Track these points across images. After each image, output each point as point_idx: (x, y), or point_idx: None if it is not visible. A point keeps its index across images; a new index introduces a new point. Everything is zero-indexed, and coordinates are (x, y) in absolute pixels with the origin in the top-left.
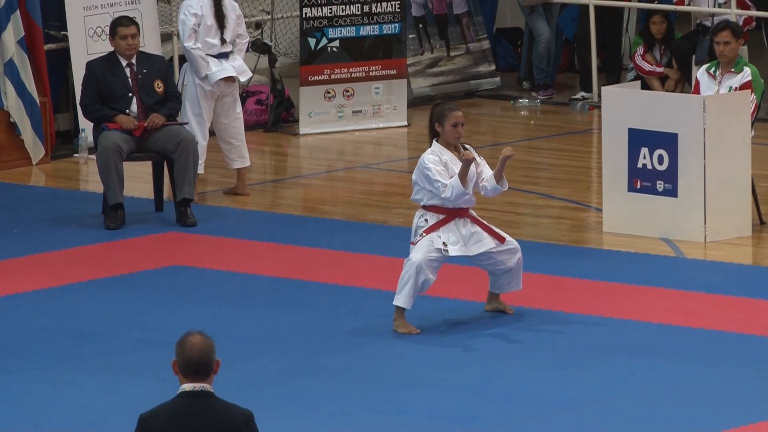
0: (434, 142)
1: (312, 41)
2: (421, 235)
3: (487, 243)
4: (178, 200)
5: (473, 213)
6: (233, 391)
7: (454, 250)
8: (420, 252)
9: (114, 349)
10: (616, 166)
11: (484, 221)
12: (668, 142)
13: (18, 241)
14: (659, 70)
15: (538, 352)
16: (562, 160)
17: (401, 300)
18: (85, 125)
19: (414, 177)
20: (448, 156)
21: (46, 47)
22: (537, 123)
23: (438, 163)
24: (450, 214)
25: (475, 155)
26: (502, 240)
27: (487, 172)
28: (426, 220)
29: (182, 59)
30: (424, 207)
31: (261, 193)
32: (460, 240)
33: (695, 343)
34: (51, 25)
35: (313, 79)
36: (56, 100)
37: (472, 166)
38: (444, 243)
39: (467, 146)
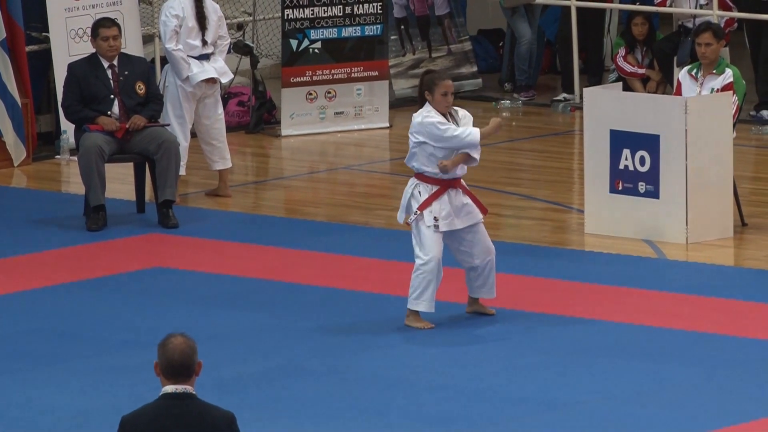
0: (426, 104)
1: (294, 43)
2: (415, 212)
3: (477, 215)
4: (159, 202)
5: (464, 183)
6: (215, 392)
7: (444, 225)
8: (434, 249)
9: (96, 350)
10: (597, 167)
11: (470, 192)
12: (650, 143)
13: None
14: (641, 71)
15: (521, 354)
16: (544, 161)
17: (424, 305)
18: (67, 127)
19: (413, 140)
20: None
21: (28, 49)
22: (519, 124)
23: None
24: (443, 185)
25: (462, 116)
26: (485, 211)
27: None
28: (419, 192)
29: (164, 61)
30: (418, 176)
31: (243, 194)
32: (451, 213)
33: (677, 345)
34: (32, 26)
35: (294, 80)
36: (38, 102)
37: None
38: (435, 218)
39: (459, 110)
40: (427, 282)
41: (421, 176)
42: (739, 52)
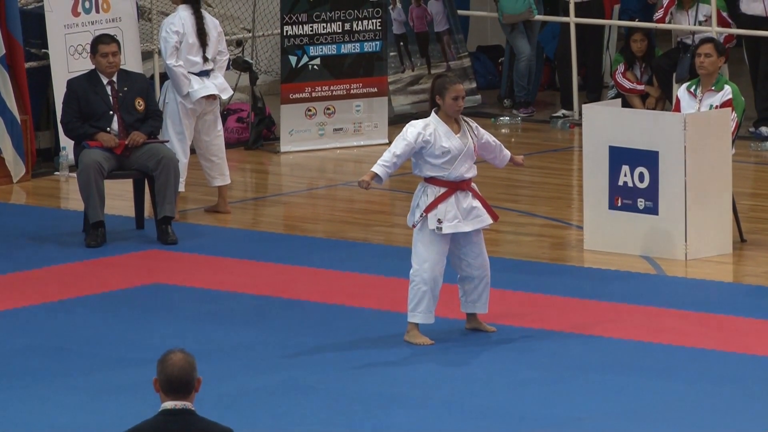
0: (433, 113)
1: (293, 59)
2: (421, 215)
3: (485, 220)
4: (159, 218)
5: (475, 187)
6: (215, 409)
7: (448, 228)
8: (429, 257)
9: (95, 367)
10: (597, 183)
11: (481, 196)
12: (649, 159)
13: None
14: (640, 87)
15: (520, 370)
16: (543, 177)
17: (420, 317)
18: (66, 143)
19: None
20: (443, 129)
21: (27, 65)
22: (518, 141)
23: (415, 136)
24: (451, 187)
25: (475, 127)
26: (495, 217)
27: (495, 144)
28: (426, 194)
29: (163, 77)
30: (426, 179)
31: (242, 210)
32: (458, 215)
33: (676, 361)
34: (32, 42)
35: (294, 96)
36: (37, 118)
37: (470, 139)
38: (439, 220)
39: (470, 121)
40: (422, 293)
41: (430, 179)
42: (738, 69)
